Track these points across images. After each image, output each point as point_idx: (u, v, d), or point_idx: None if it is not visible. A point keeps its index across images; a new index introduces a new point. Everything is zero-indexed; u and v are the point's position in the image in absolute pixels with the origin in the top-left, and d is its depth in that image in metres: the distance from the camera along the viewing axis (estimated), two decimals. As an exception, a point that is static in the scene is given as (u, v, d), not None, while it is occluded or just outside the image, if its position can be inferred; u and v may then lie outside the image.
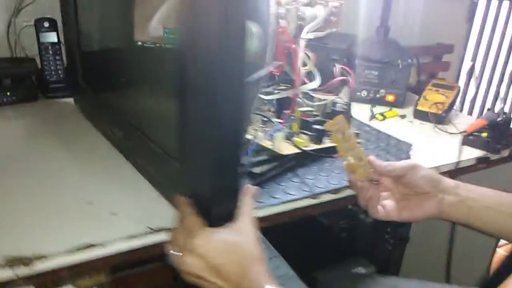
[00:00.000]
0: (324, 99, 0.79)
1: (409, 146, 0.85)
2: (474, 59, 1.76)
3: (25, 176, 0.65)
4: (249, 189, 0.49)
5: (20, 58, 0.98)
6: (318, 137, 0.74)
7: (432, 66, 1.62)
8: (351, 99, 0.85)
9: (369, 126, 0.95)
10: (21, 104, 0.90)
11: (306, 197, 0.65)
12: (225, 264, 0.44)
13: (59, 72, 0.96)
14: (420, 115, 1.00)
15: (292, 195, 0.64)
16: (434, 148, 0.87)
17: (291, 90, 0.75)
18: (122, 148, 0.70)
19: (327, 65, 0.81)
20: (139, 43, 0.60)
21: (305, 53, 0.77)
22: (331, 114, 0.79)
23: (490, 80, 1.85)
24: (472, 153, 0.86)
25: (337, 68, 0.79)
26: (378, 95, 1.08)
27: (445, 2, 1.52)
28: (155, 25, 0.71)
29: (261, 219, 0.53)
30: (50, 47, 0.94)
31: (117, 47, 0.69)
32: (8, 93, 0.87)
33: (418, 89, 1.12)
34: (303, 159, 0.72)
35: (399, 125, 0.98)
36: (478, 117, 1.22)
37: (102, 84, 0.75)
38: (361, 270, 0.99)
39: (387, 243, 1.12)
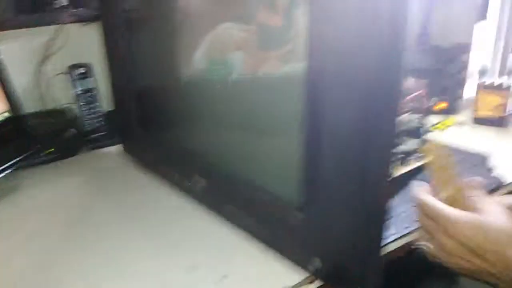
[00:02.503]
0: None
1: (485, 158, 0.79)
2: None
3: (102, 248, 0.57)
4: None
5: (56, 110, 0.91)
6: (405, 158, 0.69)
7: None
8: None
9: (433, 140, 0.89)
10: (65, 159, 0.83)
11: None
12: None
13: (99, 120, 0.89)
14: (481, 121, 0.96)
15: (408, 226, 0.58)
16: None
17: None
18: (204, 198, 0.62)
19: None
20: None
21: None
22: (408, 133, 0.74)
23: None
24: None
25: (410, 82, 0.74)
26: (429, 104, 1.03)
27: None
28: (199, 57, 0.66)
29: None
30: (87, 95, 0.87)
31: (197, 81, 0.61)
32: (52, 149, 0.80)
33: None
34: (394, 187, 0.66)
35: (462, 133, 0.93)
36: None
37: (171, 128, 0.67)
38: None
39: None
